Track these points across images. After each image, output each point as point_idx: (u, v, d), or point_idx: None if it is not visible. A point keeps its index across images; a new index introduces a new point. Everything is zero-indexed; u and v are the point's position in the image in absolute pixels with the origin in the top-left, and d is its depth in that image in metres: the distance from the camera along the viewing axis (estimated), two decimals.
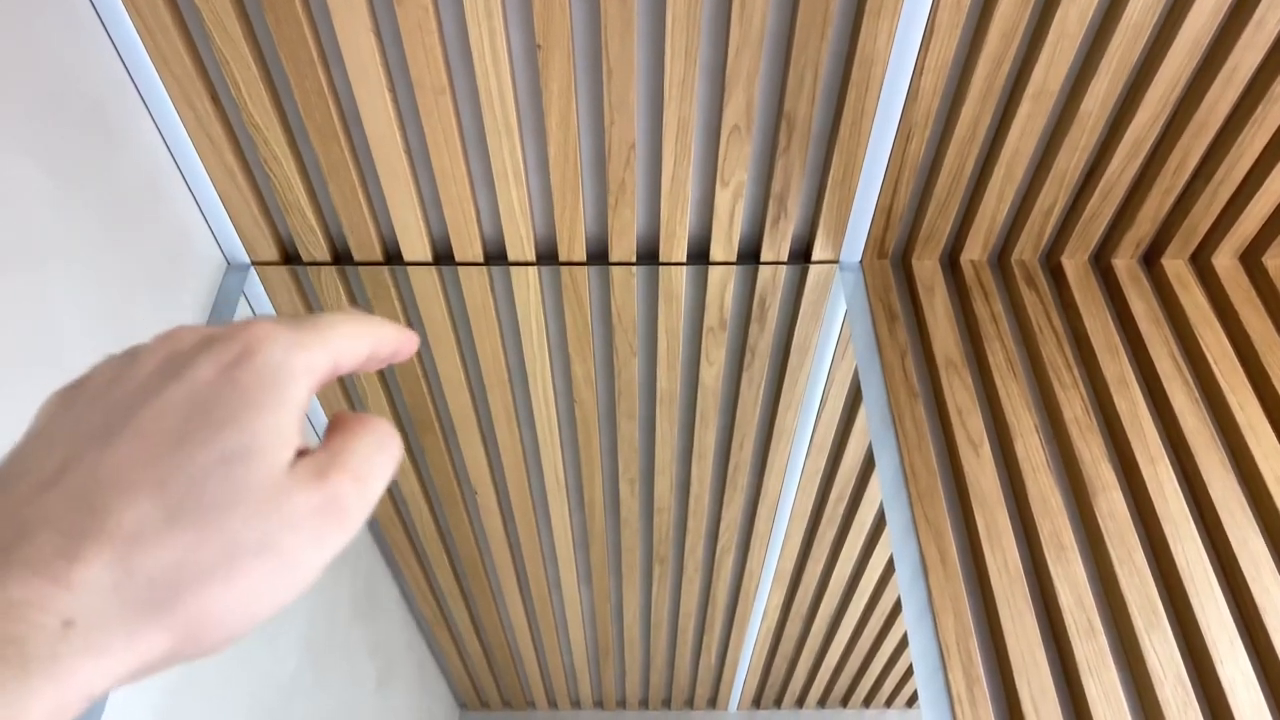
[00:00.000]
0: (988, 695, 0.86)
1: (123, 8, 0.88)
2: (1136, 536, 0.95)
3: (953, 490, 1.00)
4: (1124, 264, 1.17)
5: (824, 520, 1.69)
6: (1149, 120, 0.98)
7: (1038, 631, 0.89)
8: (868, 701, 2.67)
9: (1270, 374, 1.05)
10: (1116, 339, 1.09)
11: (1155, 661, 0.87)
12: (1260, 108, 0.97)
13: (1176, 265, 1.16)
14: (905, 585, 0.93)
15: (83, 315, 0.85)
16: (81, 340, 0.85)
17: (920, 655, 0.88)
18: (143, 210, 0.96)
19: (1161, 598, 0.91)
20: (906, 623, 0.91)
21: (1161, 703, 0.85)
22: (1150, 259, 1.17)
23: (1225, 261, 1.16)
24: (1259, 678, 0.86)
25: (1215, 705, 0.85)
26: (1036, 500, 0.97)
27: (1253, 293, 1.13)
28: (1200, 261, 1.17)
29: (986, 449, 1.01)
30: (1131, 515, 0.97)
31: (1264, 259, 1.15)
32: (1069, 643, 0.88)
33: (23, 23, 0.78)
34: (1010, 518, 0.97)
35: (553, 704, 2.78)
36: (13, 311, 0.76)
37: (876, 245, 1.15)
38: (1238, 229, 1.12)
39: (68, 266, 0.83)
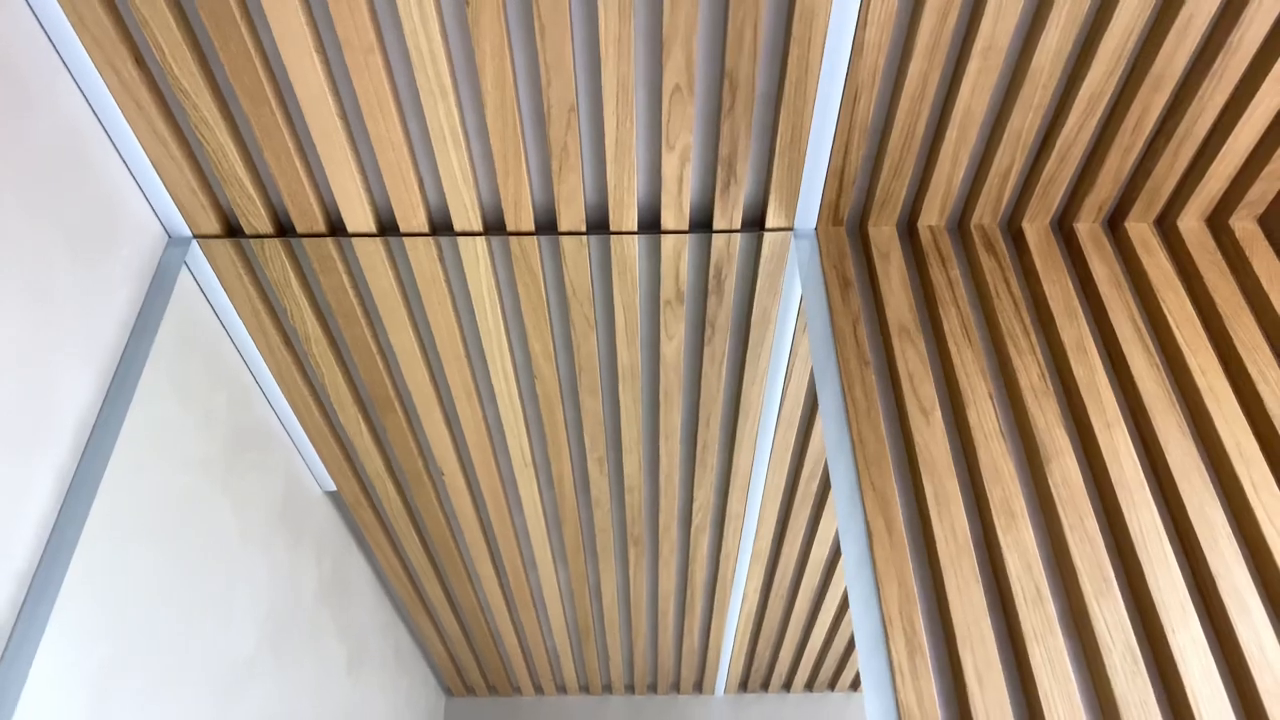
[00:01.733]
0: (930, 665, 0.84)
1: None
2: (1089, 503, 0.92)
3: (902, 458, 0.97)
4: (1086, 228, 1.14)
5: (797, 499, 1.66)
6: (1104, 75, 0.95)
7: (984, 600, 0.87)
8: (855, 685, 2.65)
9: (1234, 338, 1.02)
10: (1076, 304, 1.07)
11: (1104, 629, 0.84)
12: (1219, 59, 0.94)
13: (1140, 229, 1.13)
14: (848, 555, 0.90)
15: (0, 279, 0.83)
16: None
17: (861, 626, 0.86)
18: (65, 176, 0.94)
19: (1113, 564, 0.89)
20: (849, 593, 0.89)
21: (1109, 669, 0.82)
22: (1114, 223, 1.14)
23: (1191, 224, 1.13)
24: (1212, 646, 0.84)
25: (1165, 672, 0.83)
26: (988, 467, 0.94)
27: (1218, 255, 1.10)
28: (1165, 224, 1.14)
29: (938, 416, 0.98)
30: (1085, 481, 0.94)
31: (1230, 221, 1.12)
32: (1016, 611, 0.86)
33: None
34: (960, 485, 0.94)
35: (538, 689, 2.76)
36: None
37: (831, 211, 1.12)
38: (1202, 190, 1.09)
39: None
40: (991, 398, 1.00)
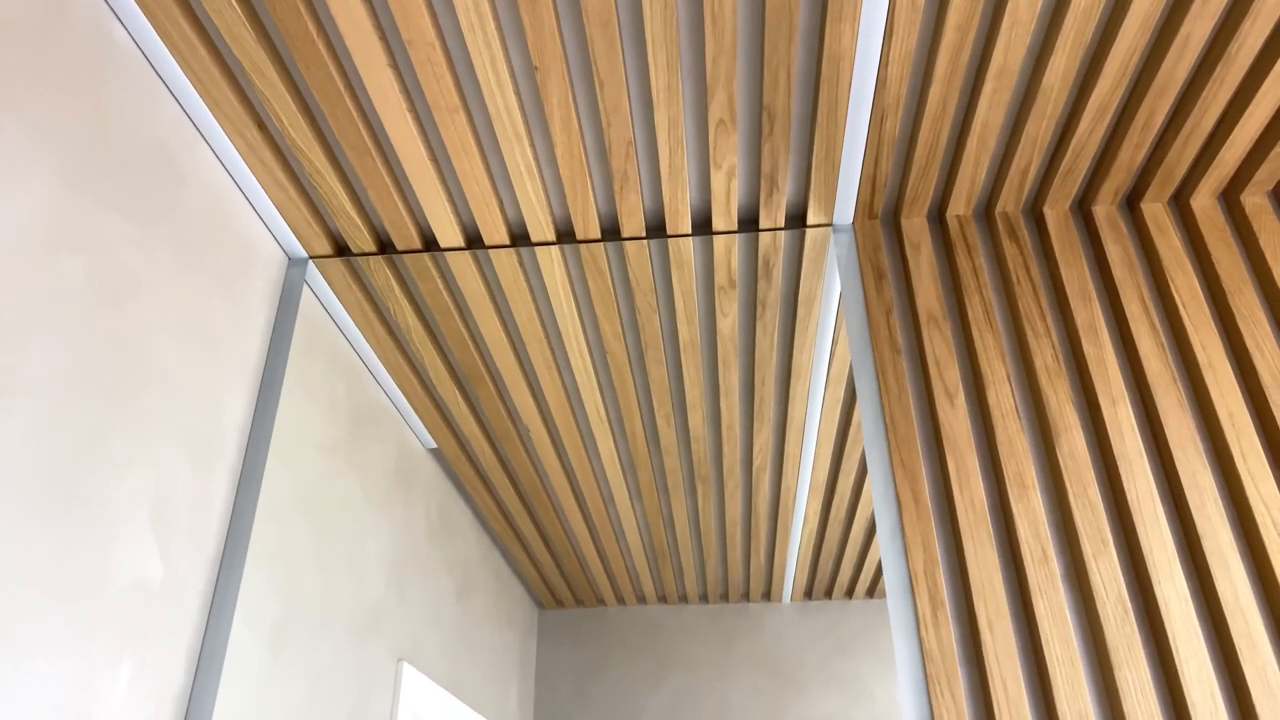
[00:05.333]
0: (950, 616, 1.01)
1: (176, 65, 1.02)
2: (1093, 473, 1.06)
3: (929, 437, 1.12)
4: (1104, 210, 1.24)
5: (850, 441, 1.83)
6: (1111, 87, 1.05)
7: (997, 560, 1.03)
8: None
9: (1236, 313, 1.13)
10: (1090, 286, 1.18)
11: (1099, 582, 1.00)
12: (1219, 68, 1.02)
13: (1155, 209, 1.22)
14: (881, 523, 1.07)
15: (174, 332, 1.03)
16: (176, 354, 1.02)
17: (891, 582, 1.03)
18: (212, 230, 1.12)
19: (1111, 527, 1.03)
20: (882, 556, 1.06)
21: (1102, 618, 0.98)
22: (1132, 203, 1.24)
23: (1204, 202, 1.22)
24: (1194, 595, 0.99)
25: (1152, 620, 0.99)
26: (1004, 444, 1.09)
27: (1227, 232, 1.19)
28: (1181, 202, 1.23)
29: (961, 398, 1.13)
30: (1091, 454, 1.08)
31: (1242, 197, 1.21)
32: (1024, 569, 1.02)
33: (91, 91, 0.92)
34: (980, 460, 1.09)
35: (620, 600, 3.04)
36: (117, 349, 0.94)
37: (866, 208, 1.25)
38: (1215, 170, 1.18)
39: (155, 296, 1.00)
40: (1009, 379, 1.13)
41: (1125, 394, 1.10)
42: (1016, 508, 1.05)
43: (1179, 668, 0.95)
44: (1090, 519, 1.03)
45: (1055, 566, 1.02)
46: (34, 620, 0.79)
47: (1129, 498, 1.04)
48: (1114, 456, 1.06)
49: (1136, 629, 0.98)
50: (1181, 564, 1.00)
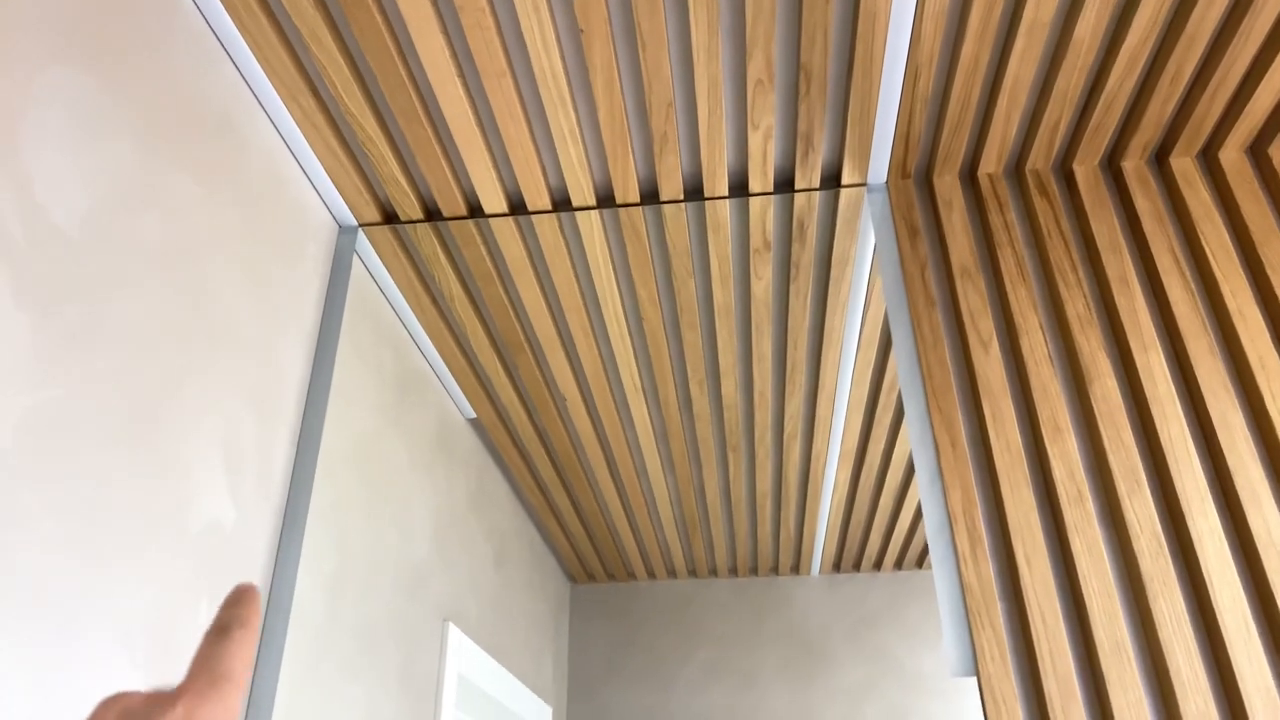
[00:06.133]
0: (988, 552, 1.05)
1: (237, 33, 1.06)
2: (1126, 416, 1.09)
3: (965, 383, 1.15)
4: (1133, 166, 1.26)
5: (880, 407, 1.86)
6: (1139, 41, 1.07)
7: (1034, 500, 1.06)
8: None
9: (1265, 263, 1.16)
10: (1121, 239, 1.21)
11: (1134, 520, 1.03)
12: (1245, 20, 1.05)
13: (1184, 163, 1.25)
14: (920, 466, 1.10)
15: (234, 291, 1.08)
16: (241, 312, 1.07)
17: (931, 521, 1.07)
18: (269, 195, 1.17)
19: (1145, 468, 1.06)
20: (921, 498, 1.09)
21: (1137, 553, 1.01)
22: (1160, 158, 1.26)
23: (1232, 155, 1.24)
24: (1227, 531, 1.02)
25: (1186, 553, 1.02)
26: (1038, 389, 1.12)
27: (1255, 184, 1.21)
28: (1209, 156, 1.25)
29: (995, 346, 1.16)
30: (1124, 398, 1.11)
31: (1269, 150, 1.23)
32: (1060, 509, 1.05)
33: (160, 56, 0.97)
34: (1014, 405, 1.12)
35: (651, 574, 3.08)
36: (189, 303, 0.99)
37: (899, 166, 1.28)
38: (1243, 123, 1.20)
39: (221, 255, 1.05)
40: (1042, 328, 1.16)
41: (1156, 341, 1.13)
42: (1051, 450, 1.08)
43: (1213, 599, 0.98)
44: (1124, 460, 1.06)
45: (1090, 506, 1.05)
46: (125, 548, 0.84)
47: (1162, 439, 1.07)
48: (1146, 400, 1.09)
49: (1171, 563, 1.01)
50: (1214, 501, 1.03)
